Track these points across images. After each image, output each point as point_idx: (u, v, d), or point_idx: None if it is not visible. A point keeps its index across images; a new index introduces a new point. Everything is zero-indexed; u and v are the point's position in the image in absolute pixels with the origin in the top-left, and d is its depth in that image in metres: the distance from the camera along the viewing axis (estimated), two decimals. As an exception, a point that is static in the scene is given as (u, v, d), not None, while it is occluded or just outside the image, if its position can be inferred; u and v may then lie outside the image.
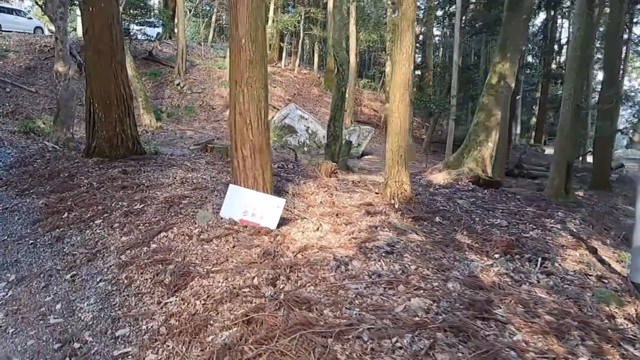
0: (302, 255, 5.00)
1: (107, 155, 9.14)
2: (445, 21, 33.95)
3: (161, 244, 5.42)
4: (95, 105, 9.03)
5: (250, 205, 6.09)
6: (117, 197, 7.22)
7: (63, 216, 6.74)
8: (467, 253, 5.51)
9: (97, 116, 9.04)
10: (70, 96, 10.93)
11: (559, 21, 34.84)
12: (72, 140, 10.80)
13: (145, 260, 5.04)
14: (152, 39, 27.11)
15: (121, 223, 6.29)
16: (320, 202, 7.48)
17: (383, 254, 5.07)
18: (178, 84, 24.15)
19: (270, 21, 30.48)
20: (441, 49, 36.02)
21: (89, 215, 6.69)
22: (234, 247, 5.21)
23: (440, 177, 9.83)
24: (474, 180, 9.97)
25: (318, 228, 6.06)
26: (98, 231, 6.21)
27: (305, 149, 20.01)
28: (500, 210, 7.87)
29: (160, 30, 29.03)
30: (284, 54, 33.18)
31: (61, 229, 6.36)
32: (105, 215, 6.64)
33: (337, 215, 6.76)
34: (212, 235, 5.54)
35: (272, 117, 20.81)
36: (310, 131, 21.21)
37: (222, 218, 6.06)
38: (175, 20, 26.47)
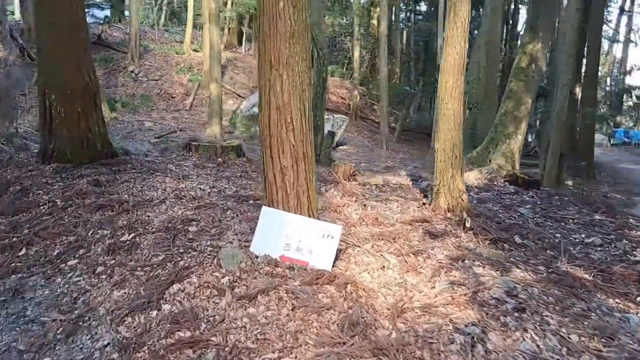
0: (403, 323, 3.36)
1: (70, 160, 7.12)
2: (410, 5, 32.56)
3: (179, 306, 3.65)
4: (51, 97, 6.98)
5: (293, 235, 4.37)
6: (93, 222, 5.32)
7: (19, 253, 4.82)
8: (600, 296, 4.00)
9: (54, 111, 6.99)
10: (12, 85, 8.77)
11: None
12: (17, 135, 8.66)
13: (163, 341, 3.26)
14: (101, 22, 24.69)
15: (107, 265, 4.45)
16: (360, 219, 5.83)
17: (515, 314, 3.51)
18: (132, 71, 21.85)
19: (229, 3, 28.32)
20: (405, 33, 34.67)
21: (57, 251, 4.80)
22: (294, 310, 3.51)
23: (472, 177, 8.35)
24: (511, 180, 8.54)
25: (384, 265, 4.42)
26: (75, 279, 4.36)
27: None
28: (573, 221, 6.45)
29: (109, 12, 26.53)
30: (244, 39, 30.98)
31: (19, 275, 4.46)
32: (82, 251, 4.77)
33: (393, 239, 5.14)
34: (252, 287, 3.80)
35: (239, 106, 18.97)
36: (282, 121, 19.35)
37: (256, 256, 4.30)
38: (126, 2, 23.98)
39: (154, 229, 5.07)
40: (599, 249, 5.42)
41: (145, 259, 4.48)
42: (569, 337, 3.21)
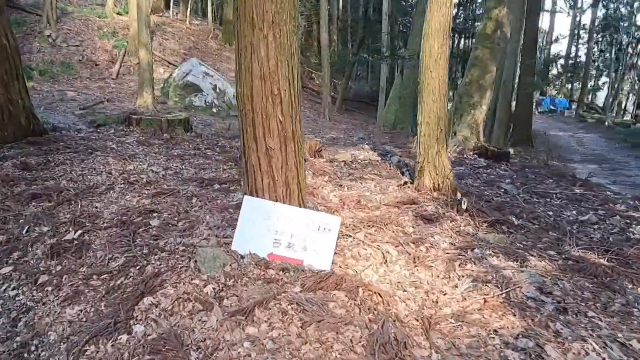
0: (440, 338, 2.79)
1: (-12, 138, 5.98)
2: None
3: (155, 326, 2.91)
4: (-39, 62, 5.77)
5: (284, 229, 3.69)
6: (27, 216, 4.39)
7: None
8: (629, 286, 3.63)
9: (-34, 79, 5.80)
10: None
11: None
12: None
13: (145, 378, 2.52)
14: (9, -19, 22.13)
15: (52, 273, 3.62)
16: (341, 202, 5.19)
17: (560, 317, 3.02)
18: (49, 36, 19.80)
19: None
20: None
21: (-15, 256, 3.86)
22: (304, 326, 2.86)
23: (441, 150, 7.86)
24: (481, 153, 8.19)
25: (386, 259, 3.84)
26: (11, 292, 3.52)
27: (214, 110, 17.15)
28: (556, 195, 6.16)
29: (18, -31, 23.85)
30: (171, 3, 29.04)
31: None
32: (17, 254, 3.89)
33: (384, 225, 4.57)
34: (245, 298, 3.12)
35: (171, 75, 17.67)
36: (218, 90, 18.25)
37: (241, 256, 3.59)
38: (38, -43, 21.59)
39: (105, 224, 4.21)
40: (595, 227, 5.10)
41: (101, 263, 3.65)
42: (630, 344, 2.76)
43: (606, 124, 30.23)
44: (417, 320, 2.94)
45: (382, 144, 9.98)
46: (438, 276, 3.60)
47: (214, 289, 3.23)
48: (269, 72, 3.55)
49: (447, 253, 4.03)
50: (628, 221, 5.30)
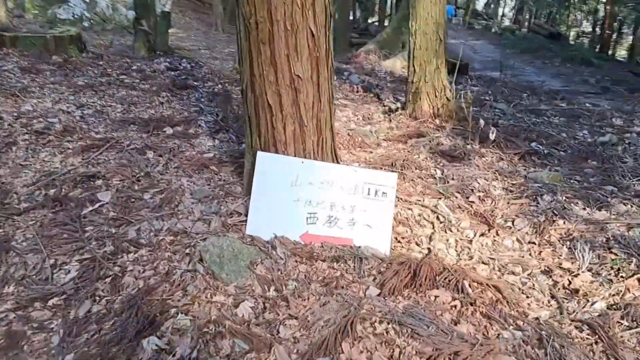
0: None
1: None
2: None
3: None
4: None
5: (320, 197, 2.53)
6: None
7: None
8: None
9: None
10: None
11: None
12: None
13: None
14: None
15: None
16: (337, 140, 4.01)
17: None
18: None
19: None
20: None
21: None
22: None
23: (398, 65, 6.89)
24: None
25: (445, 223, 2.86)
26: None
27: (85, 24, 14.49)
28: (548, 112, 5.46)
29: None
30: None
31: None
32: None
33: (402, 167, 3.56)
34: (311, 321, 1.97)
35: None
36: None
37: (267, 244, 2.39)
38: None
39: (24, 204, 2.73)
40: (620, 148, 4.46)
41: (39, 278, 2.26)
42: None
43: (493, 30, 30.79)
44: (584, 329, 1.99)
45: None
46: (534, 243, 2.68)
47: (253, 309, 2.03)
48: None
49: (510, 203, 3.12)
50: (642, 137, 4.75)
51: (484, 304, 2.09)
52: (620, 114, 5.77)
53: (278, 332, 1.94)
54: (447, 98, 4.67)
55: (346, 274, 2.31)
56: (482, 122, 4.10)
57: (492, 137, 3.96)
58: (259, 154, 2.52)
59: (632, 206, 3.09)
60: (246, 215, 2.59)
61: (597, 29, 24.93)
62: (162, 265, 2.28)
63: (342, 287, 2.20)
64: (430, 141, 4.16)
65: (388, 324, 1.96)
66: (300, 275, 2.27)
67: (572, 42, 23.88)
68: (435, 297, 2.15)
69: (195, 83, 5.51)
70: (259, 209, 2.52)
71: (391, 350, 1.84)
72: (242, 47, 2.45)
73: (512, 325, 1.98)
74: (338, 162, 2.81)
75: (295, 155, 2.57)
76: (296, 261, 2.34)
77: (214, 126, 4.03)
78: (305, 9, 2.29)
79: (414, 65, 4.57)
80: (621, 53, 23.41)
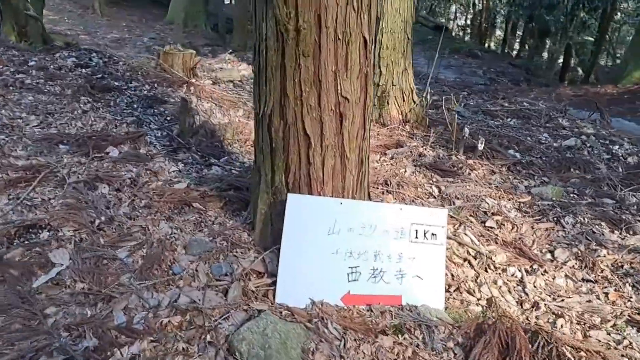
0: None
1: None
2: None
3: None
4: None
5: (362, 246, 2.01)
6: None
7: None
8: None
9: None
10: None
11: None
12: None
13: None
14: None
15: None
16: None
17: None
18: None
19: None
20: None
21: None
22: None
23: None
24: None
25: (481, 259, 2.50)
26: None
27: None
28: (501, 112, 5.37)
29: None
30: None
31: None
32: None
33: (395, 185, 3.16)
34: None
35: None
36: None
37: (309, 317, 1.83)
38: None
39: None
40: (586, 153, 4.42)
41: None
42: None
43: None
44: None
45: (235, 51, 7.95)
46: (592, 281, 2.38)
47: None
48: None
49: (535, 229, 2.83)
50: (603, 141, 4.77)
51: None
52: (559, 113, 5.82)
53: None
54: (414, 102, 4.30)
55: (419, 351, 1.82)
56: (467, 130, 3.78)
57: (480, 147, 3.65)
58: (291, 196, 1.93)
59: (647, 224, 2.93)
60: (270, 276, 2.00)
61: (473, 22, 26.22)
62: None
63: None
64: (411, 152, 3.77)
65: None
66: (367, 359, 1.74)
67: (454, 35, 24.96)
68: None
69: (117, 84, 4.63)
70: (291, 268, 1.94)
71: None
72: (268, 61, 1.84)
73: (646, 407, 1.63)
74: (371, 199, 2.30)
75: (332, 195, 2.01)
76: (355, 339, 1.81)
77: (169, 144, 3.30)
78: (362, 13, 1.74)
79: (380, 67, 4.14)
80: (493, 46, 24.85)
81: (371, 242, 2.05)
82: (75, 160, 2.86)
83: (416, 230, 2.12)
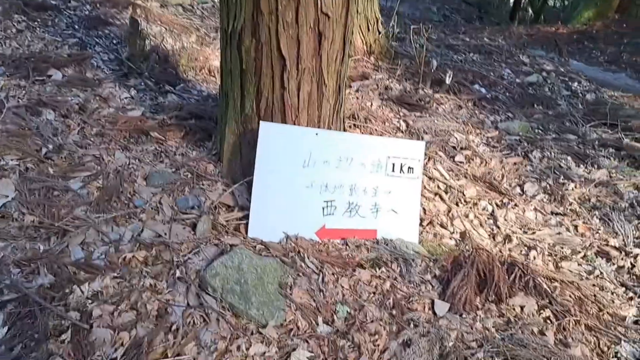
0: None
1: None
2: None
3: None
4: None
5: (338, 179, 1.93)
6: None
7: None
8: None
9: None
10: None
11: None
12: None
13: None
14: None
15: None
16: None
17: None
18: None
19: None
20: None
21: None
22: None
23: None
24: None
25: (453, 192, 2.50)
26: None
27: None
28: (462, 47, 5.31)
29: None
30: None
31: None
32: None
33: (361, 118, 3.08)
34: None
35: None
36: None
37: (285, 251, 1.75)
38: None
39: None
40: (547, 89, 4.40)
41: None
42: None
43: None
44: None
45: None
46: (561, 214, 2.40)
47: None
48: None
49: (503, 163, 2.81)
50: (563, 78, 4.79)
51: (578, 311, 1.72)
52: (518, 50, 5.80)
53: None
54: (379, 32, 4.13)
55: (397, 283, 1.77)
56: (434, 63, 3.67)
57: (448, 81, 3.56)
58: (263, 124, 1.78)
59: (613, 159, 2.96)
60: (241, 210, 1.88)
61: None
62: (146, 300, 1.51)
63: (405, 308, 1.67)
64: (377, 85, 3.64)
65: (495, 358, 1.50)
66: (347, 294, 1.68)
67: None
68: (521, 307, 1.73)
69: (54, 2, 4.18)
70: (264, 201, 1.82)
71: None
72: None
73: (620, 335, 1.65)
74: (346, 130, 2.17)
75: (307, 125, 1.88)
76: (333, 273, 1.73)
77: (118, 68, 3.03)
78: None
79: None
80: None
81: (347, 175, 1.95)
82: (14, 83, 2.57)
83: (393, 164, 2.03)
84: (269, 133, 1.80)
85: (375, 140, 2.02)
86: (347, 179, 1.95)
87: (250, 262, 1.60)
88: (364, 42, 4.04)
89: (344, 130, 2.16)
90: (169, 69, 3.16)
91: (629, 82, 7.03)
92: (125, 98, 2.67)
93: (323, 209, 1.92)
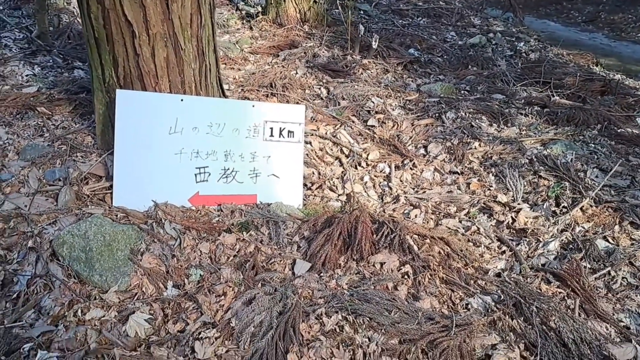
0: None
1: None
2: None
3: None
4: None
5: (210, 146, 1.93)
6: None
7: None
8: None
9: None
10: None
11: None
12: None
13: None
14: None
15: None
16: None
17: None
18: None
19: None
20: None
21: None
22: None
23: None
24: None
25: (354, 157, 2.49)
26: None
27: None
28: (411, 12, 5.23)
29: None
30: None
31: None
32: None
33: (282, 87, 3.05)
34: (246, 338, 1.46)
35: None
36: None
37: (145, 218, 1.75)
38: None
39: None
40: (490, 51, 4.36)
41: None
42: None
43: None
44: (551, 280, 1.75)
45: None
46: (458, 173, 2.39)
47: (150, 322, 1.47)
48: None
49: (415, 125, 2.79)
50: (509, 38, 4.73)
51: (438, 266, 1.73)
52: (474, 12, 5.73)
53: (193, 350, 1.38)
54: (315, 1, 4.07)
55: (262, 245, 1.78)
56: (362, 28, 3.63)
57: (374, 45, 3.52)
58: (120, 92, 1.77)
59: (531, 117, 2.95)
60: (110, 180, 1.88)
61: None
62: None
63: (263, 268, 1.68)
64: (305, 53, 3.61)
65: (337, 313, 1.51)
66: (204, 258, 1.70)
67: None
68: (381, 264, 1.74)
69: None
70: (128, 169, 1.82)
71: (352, 354, 1.41)
72: None
73: (477, 288, 1.67)
74: (226, 96, 2.15)
75: (171, 91, 1.86)
76: (194, 238, 1.74)
77: (28, 46, 3.00)
78: None
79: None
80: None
81: (220, 141, 1.94)
82: None
83: (271, 128, 2.02)
84: (127, 101, 1.79)
85: (249, 105, 2.00)
86: (220, 145, 1.94)
87: (99, 229, 1.61)
88: (297, 10, 3.99)
89: (223, 96, 2.14)
90: (83, 45, 3.12)
91: (604, 41, 6.96)
92: (27, 75, 2.65)
93: (195, 175, 1.92)
